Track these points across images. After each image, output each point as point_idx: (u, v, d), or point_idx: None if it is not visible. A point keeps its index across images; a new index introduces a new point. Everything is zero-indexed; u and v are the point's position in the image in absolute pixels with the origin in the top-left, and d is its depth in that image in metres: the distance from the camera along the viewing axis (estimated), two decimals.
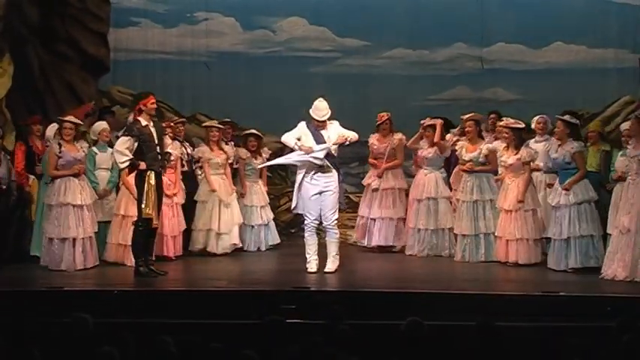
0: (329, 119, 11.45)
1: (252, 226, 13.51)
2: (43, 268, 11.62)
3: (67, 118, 11.86)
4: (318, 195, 11.44)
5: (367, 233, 13.38)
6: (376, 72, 15.31)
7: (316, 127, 11.43)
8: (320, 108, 11.40)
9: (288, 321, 8.11)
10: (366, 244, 13.40)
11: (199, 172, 13.14)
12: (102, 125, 12.66)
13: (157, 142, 11.27)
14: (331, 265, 11.50)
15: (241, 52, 15.45)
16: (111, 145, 12.36)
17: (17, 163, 12.47)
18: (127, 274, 11.35)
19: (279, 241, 13.74)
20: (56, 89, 14.62)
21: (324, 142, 11.37)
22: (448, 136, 13.11)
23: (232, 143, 13.57)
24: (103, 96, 15.05)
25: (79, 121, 12.02)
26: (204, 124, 13.60)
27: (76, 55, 14.86)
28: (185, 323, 9.11)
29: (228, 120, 13.81)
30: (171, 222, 12.36)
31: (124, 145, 11.13)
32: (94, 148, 12.44)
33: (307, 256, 11.51)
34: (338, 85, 15.00)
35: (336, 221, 11.54)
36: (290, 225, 15.04)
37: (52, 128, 12.32)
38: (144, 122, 11.19)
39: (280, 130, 14.65)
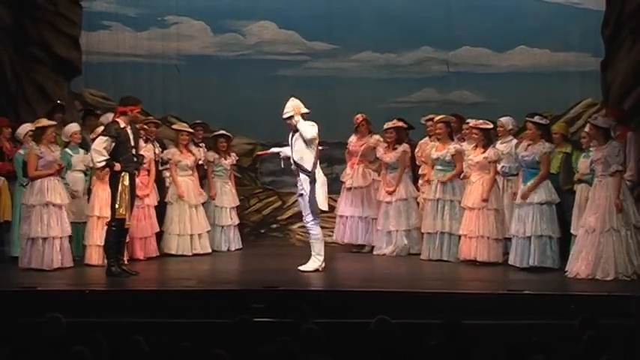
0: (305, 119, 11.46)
1: (222, 227, 13.51)
2: (20, 268, 11.55)
3: (46, 123, 11.82)
4: (299, 196, 11.64)
5: (339, 231, 13.43)
6: (344, 75, 15.32)
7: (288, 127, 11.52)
8: (285, 106, 11.47)
9: (256, 320, 8.14)
10: (338, 240, 13.45)
11: (167, 174, 13.13)
12: (73, 127, 12.63)
13: (132, 144, 11.26)
14: (309, 264, 11.54)
15: (211, 55, 15.41)
16: (83, 146, 12.32)
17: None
18: (100, 274, 11.34)
19: (241, 246, 13.75)
20: (28, 91, 14.52)
21: (291, 144, 11.47)
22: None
23: (203, 145, 13.58)
24: (76, 98, 14.98)
25: (54, 123, 12.02)
26: (173, 127, 13.62)
27: (48, 58, 14.77)
28: (156, 322, 9.14)
29: (199, 122, 13.85)
30: (141, 224, 12.33)
31: (102, 144, 11.12)
32: (68, 150, 12.39)
33: None
34: (306, 88, 14.91)
35: (311, 222, 11.55)
36: (259, 225, 15.06)
37: (23, 129, 12.27)
38: (122, 124, 11.19)
39: (250, 131, 14.87)
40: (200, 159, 13.33)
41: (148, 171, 12.50)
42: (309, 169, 11.45)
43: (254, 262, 12.85)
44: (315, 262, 11.57)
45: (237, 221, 13.73)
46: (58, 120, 12.88)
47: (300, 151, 11.46)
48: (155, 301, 10.11)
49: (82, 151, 12.35)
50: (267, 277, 11.03)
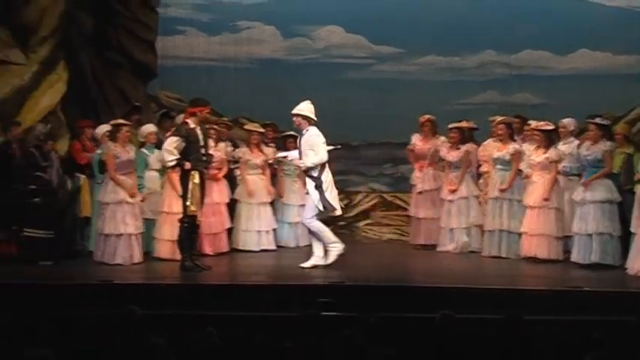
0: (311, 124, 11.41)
1: (290, 224, 13.55)
2: (96, 263, 11.72)
3: (122, 122, 11.96)
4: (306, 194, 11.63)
5: (413, 233, 13.42)
6: (409, 78, 15.28)
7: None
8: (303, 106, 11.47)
9: (324, 314, 8.14)
10: (413, 243, 13.42)
11: (238, 173, 13.20)
12: (149, 128, 12.72)
13: (202, 144, 11.35)
14: (329, 257, 11.49)
15: (281, 59, 15.48)
16: (158, 146, 12.45)
17: (77, 157, 12.64)
18: (170, 267, 11.44)
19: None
20: (108, 94, 14.73)
21: (299, 148, 11.48)
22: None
23: (273, 144, 13.62)
24: (152, 100, 15.13)
25: (129, 123, 12.15)
26: (245, 127, 13.69)
27: (127, 62, 14.97)
28: (228, 315, 9.15)
29: (269, 122, 13.90)
30: (209, 220, 12.31)
31: (173, 144, 11.21)
32: (145, 150, 12.53)
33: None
34: (372, 90, 15.05)
35: (308, 219, 11.50)
36: (327, 223, 14.99)
37: (100, 129, 12.43)
38: (192, 125, 11.28)
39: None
40: (270, 158, 13.36)
41: (220, 169, 12.57)
42: (315, 174, 11.38)
43: None
44: (333, 251, 11.45)
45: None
46: (135, 121, 13.03)
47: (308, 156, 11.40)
48: (226, 294, 10.16)
49: (157, 151, 12.43)
50: (333, 273, 11.04)
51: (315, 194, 11.34)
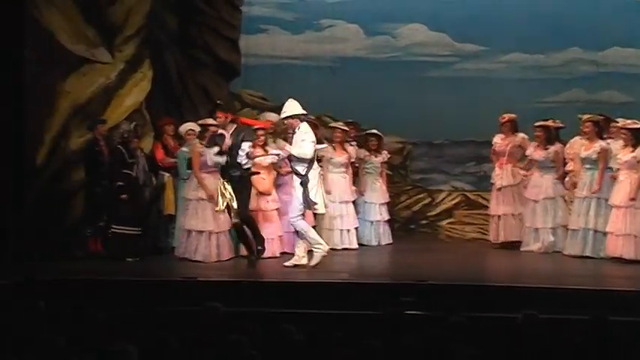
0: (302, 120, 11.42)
1: (372, 222, 13.53)
2: (179, 259, 11.82)
3: (210, 122, 11.98)
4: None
5: (494, 231, 13.29)
6: (492, 76, 15.07)
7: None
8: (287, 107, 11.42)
9: (406, 312, 8.11)
10: (493, 240, 13.30)
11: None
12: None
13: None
14: (314, 257, 11.37)
15: (363, 57, 15.40)
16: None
17: (159, 157, 12.78)
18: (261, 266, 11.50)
19: (391, 242, 13.69)
20: (192, 92, 14.79)
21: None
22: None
23: (355, 143, 13.60)
24: (234, 99, 15.19)
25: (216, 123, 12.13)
26: (330, 125, 13.66)
27: (211, 61, 15.01)
28: (310, 313, 9.18)
29: (351, 121, 13.86)
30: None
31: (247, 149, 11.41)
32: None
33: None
34: (455, 89, 14.90)
35: (294, 217, 11.40)
36: (409, 221, 15.01)
37: (184, 127, 12.53)
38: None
39: (399, 130, 14.80)
40: (353, 157, 13.33)
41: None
42: (302, 172, 11.29)
43: (403, 256, 12.85)
44: (318, 252, 11.32)
45: (387, 217, 13.69)
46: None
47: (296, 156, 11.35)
48: (310, 292, 10.15)
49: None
50: (416, 271, 11.00)
51: (299, 191, 11.29)
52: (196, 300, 8.44)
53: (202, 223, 11.72)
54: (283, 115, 11.46)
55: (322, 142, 12.25)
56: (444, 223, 14.88)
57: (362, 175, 13.57)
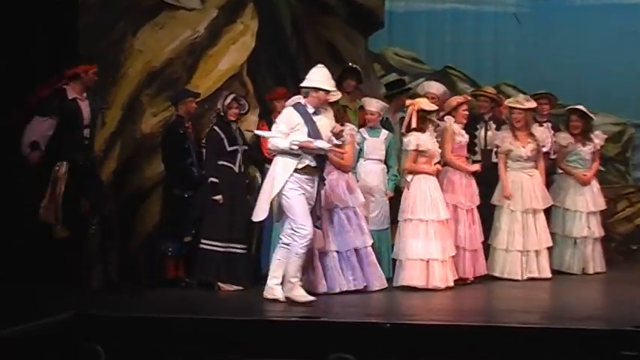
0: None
1: (575, 240, 13.49)
2: None
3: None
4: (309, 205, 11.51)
5: None
6: None
7: (315, 110, 11.46)
8: (327, 76, 11.45)
9: None
10: None
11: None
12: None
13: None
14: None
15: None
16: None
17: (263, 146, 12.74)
18: None
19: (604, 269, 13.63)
20: (312, 50, 14.82)
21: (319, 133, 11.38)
22: None
23: (549, 124, 13.45)
24: (375, 60, 15.14)
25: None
26: (507, 103, 13.38)
27: (341, 5, 14.98)
28: None
29: (544, 92, 13.74)
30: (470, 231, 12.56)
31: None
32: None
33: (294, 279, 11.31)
34: None
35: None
36: (629, 239, 14.72)
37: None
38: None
39: (617, 107, 14.49)
40: (544, 144, 13.14)
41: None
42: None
43: (622, 290, 12.63)
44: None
45: (598, 232, 13.53)
46: (351, 89, 13.04)
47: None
48: (474, 336, 9.94)
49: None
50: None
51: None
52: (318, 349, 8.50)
53: None
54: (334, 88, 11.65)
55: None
56: None
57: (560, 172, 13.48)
